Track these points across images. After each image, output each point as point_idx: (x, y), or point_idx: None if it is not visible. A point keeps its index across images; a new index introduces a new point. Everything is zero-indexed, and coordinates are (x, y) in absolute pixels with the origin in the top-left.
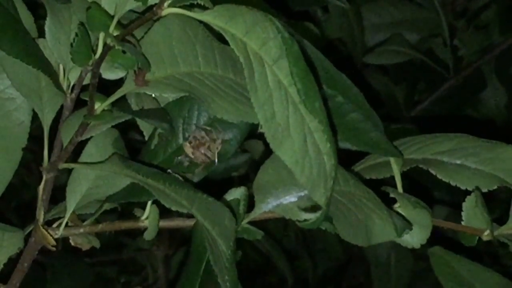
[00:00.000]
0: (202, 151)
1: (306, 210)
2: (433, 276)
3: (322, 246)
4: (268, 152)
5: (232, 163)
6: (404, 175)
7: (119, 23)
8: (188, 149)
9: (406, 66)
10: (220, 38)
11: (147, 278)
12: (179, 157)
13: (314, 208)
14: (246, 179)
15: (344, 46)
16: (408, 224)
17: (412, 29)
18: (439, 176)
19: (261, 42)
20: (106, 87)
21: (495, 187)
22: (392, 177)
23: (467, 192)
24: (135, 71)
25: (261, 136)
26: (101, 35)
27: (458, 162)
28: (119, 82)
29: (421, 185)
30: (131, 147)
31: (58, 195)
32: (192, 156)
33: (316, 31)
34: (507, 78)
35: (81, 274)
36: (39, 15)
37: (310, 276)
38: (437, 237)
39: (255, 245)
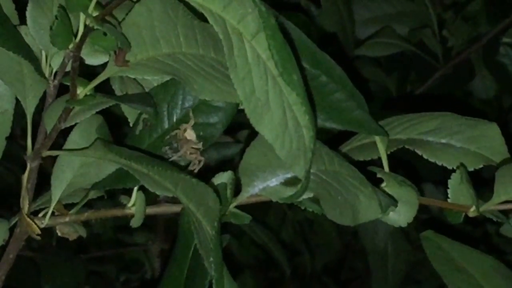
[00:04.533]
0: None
1: (287, 184)
2: (431, 266)
3: (321, 239)
4: (254, 136)
5: (225, 154)
6: (391, 156)
7: (98, 4)
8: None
9: (397, 58)
10: (200, 16)
11: (145, 272)
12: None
13: (294, 182)
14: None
15: (337, 39)
16: (393, 201)
17: (402, 22)
18: (425, 156)
19: (239, 16)
20: (92, 76)
21: (481, 166)
22: (380, 159)
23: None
24: (115, 52)
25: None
26: (81, 18)
27: (443, 141)
28: (102, 69)
29: (409, 165)
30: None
31: (45, 184)
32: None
33: (309, 23)
34: (495, 66)
35: (76, 271)
36: (21, 3)
37: (308, 269)
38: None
39: (255, 240)
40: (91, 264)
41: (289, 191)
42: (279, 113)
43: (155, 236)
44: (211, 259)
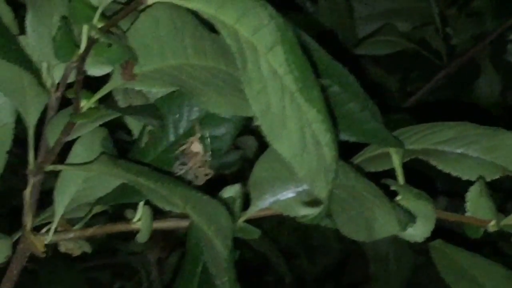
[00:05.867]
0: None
1: (306, 204)
2: (434, 270)
3: (320, 242)
4: (262, 148)
5: (225, 161)
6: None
7: (103, 14)
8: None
9: (399, 56)
10: (211, 27)
11: (141, 282)
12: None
13: (314, 202)
14: (239, 177)
15: (335, 37)
16: (411, 217)
17: (404, 19)
18: (439, 167)
19: (254, 29)
20: (92, 85)
21: (498, 176)
22: (393, 169)
23: (468, 182)
24: (122, 65)
25: (254, 132)
26: (85, 28)
27: (459, 151)
28: (105, 79)
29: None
30: (119, 148)
31: (46, 199)
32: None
33: (307, 21)
34: (502, 65)
35: (74, 280)
36: (20, 15)
37: (308, 274)
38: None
39: (250, 244)
40: (85, 271)
41: (306, 211)
42: (297, 130)
43: (152, 244)
44: (225, 279)
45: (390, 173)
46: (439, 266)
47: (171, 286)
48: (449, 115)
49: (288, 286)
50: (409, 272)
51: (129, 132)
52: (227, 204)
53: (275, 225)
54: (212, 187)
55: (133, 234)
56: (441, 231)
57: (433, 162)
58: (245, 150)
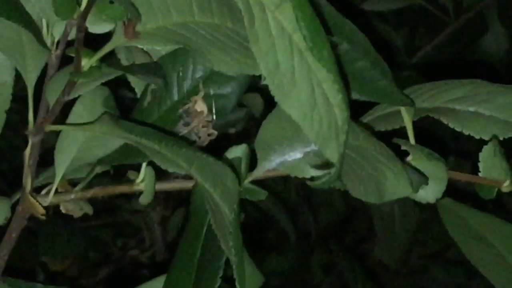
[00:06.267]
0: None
1: (316, 167)
2: (438, 226)
3: (324, 199)
4: (269, 106)
5: (229, 119)
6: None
7: None
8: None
9: (405, 12)
10: None
11: (144, 240)
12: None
13: (324, 165)
14: (244, 137)
15: None
16: (424, 179)
17: None
18: (451, 125)
19: None
20: (94, 43)
21: (511, 135)
22: (401, 129)
23: (480, 141)
24: (124, 23)
25: (259, 89)
26: None
27: (471, 109)
28: (107, 37)
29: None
30: (122, 105)
31: (47, 159)
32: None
33: None
34: (510, 20)
35: (74, 240)
36: None
37: (312, 230)
38: None
39: (254, 201)
40: (87, 230)
41: (316, 173)
42: (306, 91)
43: (155, 202)
44: (231, 243)
45: (399, 133)
46: (447, 225)
47: (175, 245)
48: (455, 71)
49: (293, 244)
50: (414, 229)
51: (132, 89)
52: (232, 165)
53: (280, 181)
54: (217, 146)
55: (135, 193)
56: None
57: (444, 120)
58: (250, 108)
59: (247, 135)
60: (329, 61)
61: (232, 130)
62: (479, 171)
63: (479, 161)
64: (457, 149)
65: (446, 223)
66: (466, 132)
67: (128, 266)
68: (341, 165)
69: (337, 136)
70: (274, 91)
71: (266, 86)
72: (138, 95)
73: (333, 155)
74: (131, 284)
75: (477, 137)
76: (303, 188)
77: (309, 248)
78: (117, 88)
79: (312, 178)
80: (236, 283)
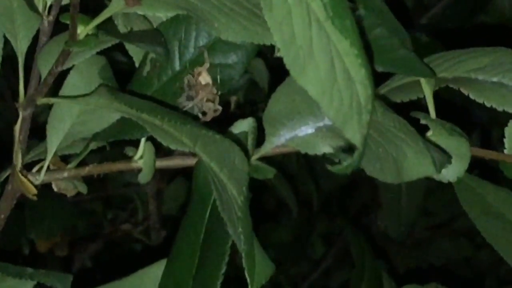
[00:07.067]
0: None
1: (331, 146)
2: (445, 194)
3: (325, 166)
4: (276, 76)
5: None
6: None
7: None
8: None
9: None
10: None
11: (137, 213)
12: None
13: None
14: (246, 106)
15: None
16: (447, 157)
17: None
18: (471, 96)
19: None
20: (88, 8)
21: None
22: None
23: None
24: None
25: (260, 54)
26: None
27: (495, 79)
28: (103, 2)
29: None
30: (115, 70)
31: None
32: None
33: None
34: None
35: (64, 214)
36: None
37: (314, 199)
38: None
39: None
40: (77, 204)
41: (324, 146)
42: (325, 64)
43: None
44: (240, 229)
45: (417, 105)
46: (462, 200)
47: (171, 219)
48: (466, 35)
49: (295, 216)
50: (421, 198)
51: (126, 53)
52: (240, 141)
53: None
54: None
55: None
56: None
57: (465, 91)
58: (252, 74)
59: (250, 104)
60: (353, 32)
61: (233, 98)
62: (505, 148)
63: (504, 137)
64: (479, 123)
65: (461, 198)
66: (488, 104)
67: (119, 240)
68: (364, 147)
69: (359, 116)
70: (289, 64)
71: (270, 52)
72: (137, 65)
73: (355, 137)
74: (122, 260)
75: (500, 109)
76: (304, 155)
77: (311, 219)
78: (110, 52)
79: (324, 155)
80: (246, 273)
